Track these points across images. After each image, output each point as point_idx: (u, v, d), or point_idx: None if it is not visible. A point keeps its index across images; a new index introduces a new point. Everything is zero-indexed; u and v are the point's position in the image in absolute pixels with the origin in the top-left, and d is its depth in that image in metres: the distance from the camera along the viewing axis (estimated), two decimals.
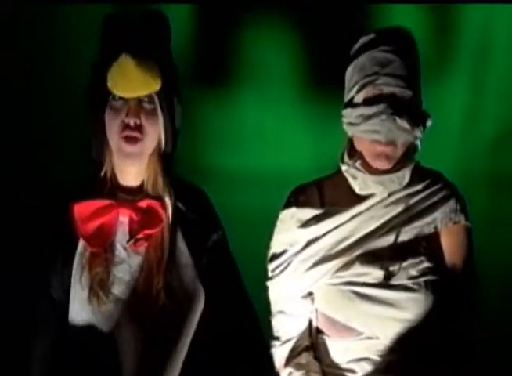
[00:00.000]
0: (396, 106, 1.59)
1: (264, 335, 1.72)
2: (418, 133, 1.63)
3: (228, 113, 2.29)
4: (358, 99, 1.65)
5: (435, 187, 1.69)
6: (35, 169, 2.20)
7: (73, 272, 1.57)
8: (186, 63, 2.23)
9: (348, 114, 1.66)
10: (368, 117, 1.61)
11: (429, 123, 1.66)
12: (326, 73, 2.25)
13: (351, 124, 1.65)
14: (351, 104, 1.67)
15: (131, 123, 1.52)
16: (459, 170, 2.10)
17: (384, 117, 1.59)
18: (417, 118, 1.62)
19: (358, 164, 1.67)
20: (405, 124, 1.59)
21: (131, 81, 1.50)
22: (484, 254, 1.83)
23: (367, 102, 1.62)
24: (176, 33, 2.12)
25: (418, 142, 1.67)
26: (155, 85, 1.52)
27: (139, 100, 1.53)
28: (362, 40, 1.68)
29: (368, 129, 1.62)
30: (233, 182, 2.27)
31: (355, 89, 1.65)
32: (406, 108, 1.60)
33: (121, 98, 1.53)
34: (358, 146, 1.68)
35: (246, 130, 2.30)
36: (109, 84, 1.51)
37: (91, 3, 2.07)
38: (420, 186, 1.68)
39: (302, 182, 1.80)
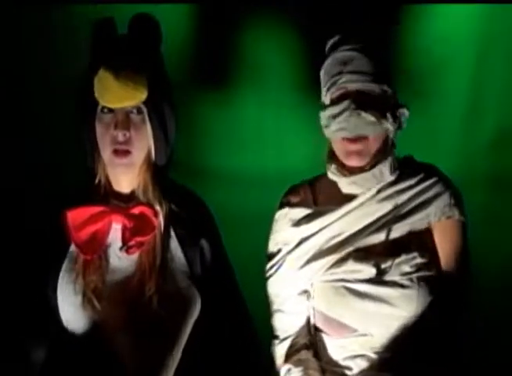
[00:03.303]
0: (360, 101, 1.61)
1: (259, 339, 1.72)
2: (387, 125, 1.63)
3: (228, 115, 2.29)
4: (327, 100, 1.68)
5: (428, 182, 1.68)
6: (35, 169, 2.20)
7: (65, 277, 1.57)
8: (186, 63, 2.24)
9: (322, 117, 1.69)
10: (335, 117, 1.63)
11: (404, 114, 1.66)
12: None
13: (324, 126, 1.68)
14: (323, 107, 1.69)
15: (120, 136, 1.53)
16: (459, 169, 2.10)
17: (348, 113, 1.61)
18: (385, 111, 1.63)
19: (333, 168, 1.69)
20: (370, 117, 1.61)
21: (113, 93, 1.50)
22: (484, 253, 1.83)
23: (333, 102, 1.65)
24: (176, 33, 2.14)
25: (392, 136, 1.68)
26: (140, 96, 1.52)
27: (127, 112, 1.53)
28: (328, 43, 1.71)
29: (336, 128, 1.64)
30: (233, 183, 2.27)
31: (324, 92, 1.69)
32: (372, 102, 1.61)
33: (110, 110, 1.53)
34: (334, 148, 1.70)
35: (246, 131, 2.30)
36: (96, 95, 1.52)
37: (91, 3, 2.07)
38: (412, 181, 1.68)
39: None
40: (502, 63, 2.26)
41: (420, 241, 1.66)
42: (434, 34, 2.23)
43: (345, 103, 1.61)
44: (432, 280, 1.61)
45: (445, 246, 1.66)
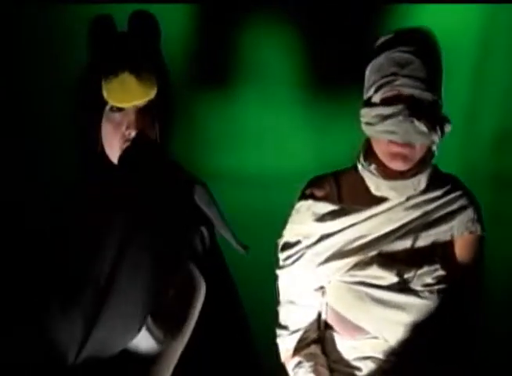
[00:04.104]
0: (414, 108, 1.58)
1: (252, 339, 1.72)
2: (435, 137, 1.61)
3: (227, 114, 2.28)
4: (376, 99, 1.64)
5: (454, 195, 1.69)
6: (35, 169, 2.20)
7: None
8: (186, 63, 2.24)
9: (366, 114, 1.65)
10: (385, 118, 1.59)
11: (448, 128, 1.65)
12: (327, 73, 2.25)
13: (368, 123, 1.64)
14: (368, 104, 1.66)
15: (133, 135, 1.52)
16: (459, 169, 2.10)
17: (401, 118, 1.58)
18: (435, 122, 1.61)
19: (372, 168, 1.67)
20: (422, 126, 1.58)
21: (129, 92, 1.50)
22: (486, 253, 1.83)
23: (385, 102, 1.62)
24: (176, 33, 2.14)
25: (435, 148, 1.67)
26: (151, 92, 1.52)
27: (138, 110, 1.53)
28: (381, 40, 1.67)
29: (385, 129, 1.61)
30: (233, 183, 2.26)
31: (373, 89, 1.64)
32: (425, 111, 1.59)
33: (118, 109, 1.52)
34: (375, 147, 1.67)
35: (246, 131, 2.30)
36: (105, 95, 1.51)
37: (91, 3, 2.07)
38: (438, 193, 1.68)
39: (302, 182, 1.80)
40: (502, 63, 2.26)
41: (443, 253, 1.66)
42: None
43: (399, 107, 1.58)
44: (450, 292, 1.62)
45: (464, 260, 1.68)
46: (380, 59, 1.64)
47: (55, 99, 2.16)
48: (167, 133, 1.61)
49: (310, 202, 1.72)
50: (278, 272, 1.74)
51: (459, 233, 1.67)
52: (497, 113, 2.29)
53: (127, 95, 1.50)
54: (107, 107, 1.53)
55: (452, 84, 2.23)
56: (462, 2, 2.20)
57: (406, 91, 1.59)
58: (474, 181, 2.21)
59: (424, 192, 1.68)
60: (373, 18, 2.21)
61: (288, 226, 1.75)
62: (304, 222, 1.71)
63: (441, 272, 1.63)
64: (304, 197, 1.75)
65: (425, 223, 1.66)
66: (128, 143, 1.52)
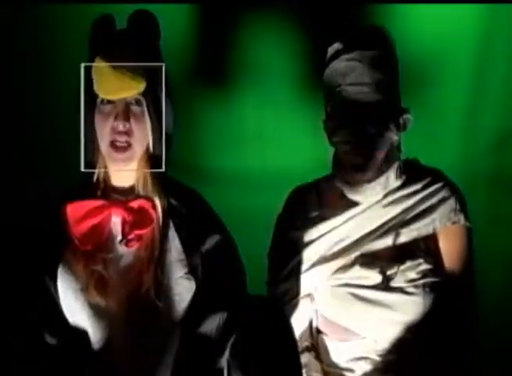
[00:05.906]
0: (363, 114, 1.59)
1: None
2: (392, 135, 1.62)
3: (227, 114, 2.29)
4: (328, 112, 1.66)
5: (435, 187, 1.68)
6: (35, 169, 2.20)
7: (64, 270, 1.57)
8: (186, 63, 2.24)
9: (324, 127, 1.68)
10: (335, 129, 1.62)
11: (408, 120, 1.65)
12: None
13: (327, 137, 1.67)
14: (325, 117, 1.69)
15: (120, 127, 1.52)
16: (459, 169, 2.10)
17: (350, 127, 1.59)
18: (388, 120, 1.61)
19: (340, 176, 1.68)
20: (372, 129, 1.59)
21: (111, 83, 1.50)
22: (484, 253, 1.83)
23: (334, 114, 1.64)
24: (176, 33, 2.14)
25: (395, 142, 1.66)
26: (137, 86, 1.52)
27: (127, 103, 1.53)
28: (329, 51, 1.69)
29: (338, 140, 1.63)
30: (233, 183, 2.27)
31: (324, 102, 1.68)
32: (374, 113, 1.60)
33: (109, 102, 1.53)
34: (339, 157, 1.69)
35: (245, 131, 2.30)
36: (94, 88, 1.53)
37: (91, 3, 2.07)
38: (418, 186, 1.67)
39: (302, 182, 1.81)
40: (502, 64, 2.26)
41: (426, 247, 1.65)
42: (434, 34, 2.22)
43: (346, 116, 1.59)
44: (437, 285, 1.61)
45: (449, 252, 1.66)
46: (327, 72, 1.67)
47: (54, 99, 2.16)
48: (168, 132, 1.61)
49: (291, 213, 1.72)
50: (268, 285, 1.75)
51: (442, 224, 1.66)
52: (497, 113, 2.28)
53: (112, 88, 1.50)
54: (98, 100, 1.54)
55: (453, 84, 2.25)
56: (462, 2, 2.20)
57: (353, 97, 1.60)
58: (474, 181, 2.22)
59: (401, 187, 1.67)
60: (374, 18, 2.21)
61: (273, 240, 1.76)
62: (288, 233, 1.72)
63: (425, 266, 1.62)
64: (285, 207, 1.75)
65: (406, 219, 1.66)
66: (115, 135, 1.53)
